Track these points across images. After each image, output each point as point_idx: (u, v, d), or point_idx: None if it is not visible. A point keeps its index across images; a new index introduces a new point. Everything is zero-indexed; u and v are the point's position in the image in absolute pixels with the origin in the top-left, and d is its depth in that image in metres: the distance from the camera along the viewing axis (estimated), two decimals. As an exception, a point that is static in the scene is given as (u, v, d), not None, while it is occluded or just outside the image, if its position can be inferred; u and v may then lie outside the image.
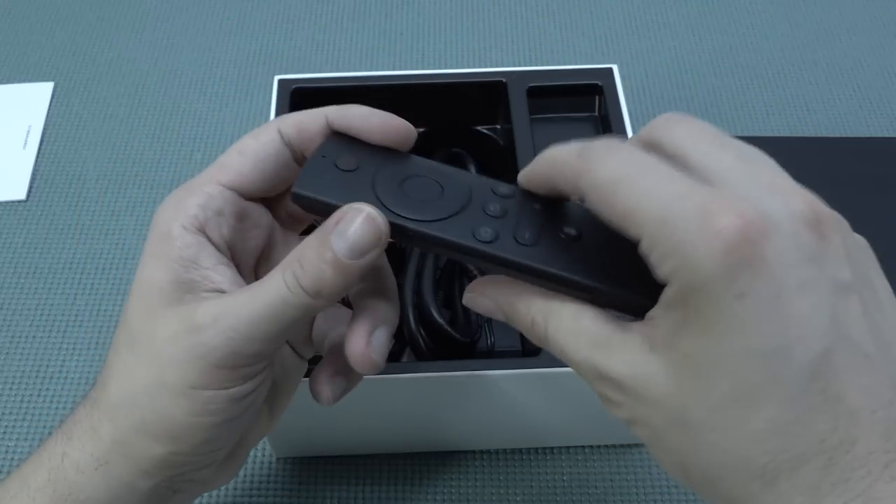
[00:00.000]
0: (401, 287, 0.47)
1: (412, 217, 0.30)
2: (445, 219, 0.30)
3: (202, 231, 0.31)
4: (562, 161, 0.29)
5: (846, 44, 0.71)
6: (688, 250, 0.23)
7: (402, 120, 0.33)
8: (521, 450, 0.48)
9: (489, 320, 0.48)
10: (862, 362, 0.24)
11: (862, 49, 0.70)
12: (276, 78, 0.51)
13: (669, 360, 0.25)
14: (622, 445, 0.49)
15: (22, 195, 0.61)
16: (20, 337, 0.54)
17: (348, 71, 0.69)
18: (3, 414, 0.50)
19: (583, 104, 0.52)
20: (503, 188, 0.31)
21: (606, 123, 0.50)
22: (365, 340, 0.31)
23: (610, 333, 0.27)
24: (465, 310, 0.48)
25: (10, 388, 0.52)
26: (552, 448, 0.49)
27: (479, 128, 0.54)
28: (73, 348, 0.53)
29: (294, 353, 0.36)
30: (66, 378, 0.52)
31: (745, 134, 0.64)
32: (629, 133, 0.49)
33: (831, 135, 0.64)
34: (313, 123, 0.32)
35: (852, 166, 0.57)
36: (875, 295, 0.26)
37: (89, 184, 0.62)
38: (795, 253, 0.24)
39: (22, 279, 0.57)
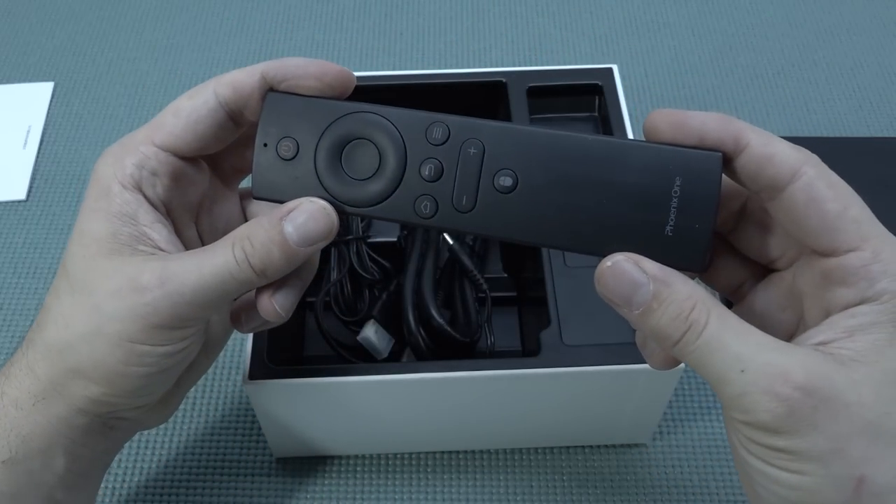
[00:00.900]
0: (401, 287, 0.47)
1: (358, 205, 0.31)
2: (387, 199, 0.31)
3: (139, 189, 0.32)
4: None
5: (846, 44, 0.71)
6: None
7: (340, 66, 0.34)
8: (521, 450, 0.48)
9: (489, 320, 0.48)
10: None
11: (862, 49, 0.70)
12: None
13: (868, 373, 0.26)
14: (622, 445, 0.49)
15: (22, 195, 0.61)
16: (20, 337, 0.54)
17: (348, 71, 0.69)
18: (3, 414, 0.51)
19: (583, 104, 0.52)
20: (436, 131, 0.32)
21: (606, 123, 0.50)
22: (271, 291, 0.33)
23: (779, 341, 0.27)
24: (465, 310, 0.48)
25: (10, 388, 0.52)
26: (552, 448, 0.49)
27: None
28: (73, 348, 0.53)
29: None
30: (66, 378, 0.52)
31: (745, 134, 0.64)
32: (629, 133, 0.49)
33: (831, 135, 0.64)
34: (248, 80, 0.33)
35: (852, 166, 0.57)
36: None
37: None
38: None
39: (22, 279, 0.57)
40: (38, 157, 0.64)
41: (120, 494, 0.47)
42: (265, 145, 0.32)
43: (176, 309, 0.31)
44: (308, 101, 0.32)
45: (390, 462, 0.48)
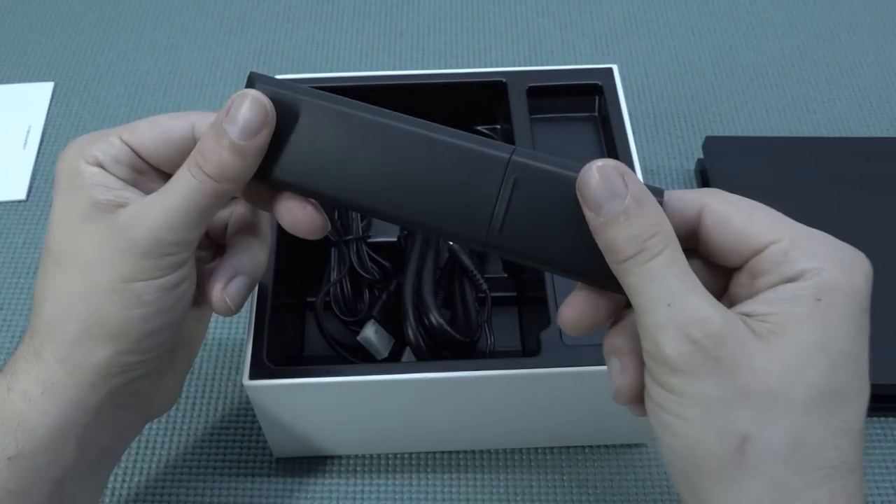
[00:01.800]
0: (401, 287, 0.47)
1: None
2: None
3: (102, 167, 0.34)
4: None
5: (846, 44, 0.71)
6: (847, 265, 0.28)
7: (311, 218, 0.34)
8: (521, 450, 0.48)
9: (489, 320, 0.48)
10: None
11: (862, 49, 0.70)
12: (276, 78, 0.51)
13: (782, 343, 0.27)
14: (622, 445, 0.49)
15: (22, 195, 0.61)
16: (20, 337, 0.54)
17: (348, 71, 0.69)
18: (3, 414, 0.51)
19: (583, 104, 0.52)
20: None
21: (606, 123, 0.50)
22: (222, 285, 0.35)
23: (714, 299, 0.28)
24: (465, 310, 0.48)
25: (10, 388, 0.52)
26: (552, 448, 0.49)
27: (479, 128, 0.54)
28: (73, 348, 0.53)
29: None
30: (66, 378, 0.52)
31: (746, 134, 0.64)
32: (629, 133, 0.49)
33: (831, 135, 0.64)
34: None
35: (852, 166, 0.57)
36: None
37: (89, 184, 0.62)
38: None
39: (22, 279, 0.57)
40: (38, 157, 0.64)
41: (120, 494, 0.47)
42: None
43: (155, 234, 0.32)
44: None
45: (390, 462, 0.48)
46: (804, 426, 0.26)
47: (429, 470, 0.48)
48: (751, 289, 0.29)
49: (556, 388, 0.43)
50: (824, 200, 0.55)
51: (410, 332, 0.45)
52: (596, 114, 0.52)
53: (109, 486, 0.47)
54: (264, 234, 0.38)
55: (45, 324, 0.33)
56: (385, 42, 0.71)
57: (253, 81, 0.33)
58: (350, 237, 0.49)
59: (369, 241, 0.50)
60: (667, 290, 0.27)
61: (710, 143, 0.58)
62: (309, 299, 0.51)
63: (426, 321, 0.45)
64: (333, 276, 0.48)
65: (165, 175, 0.35)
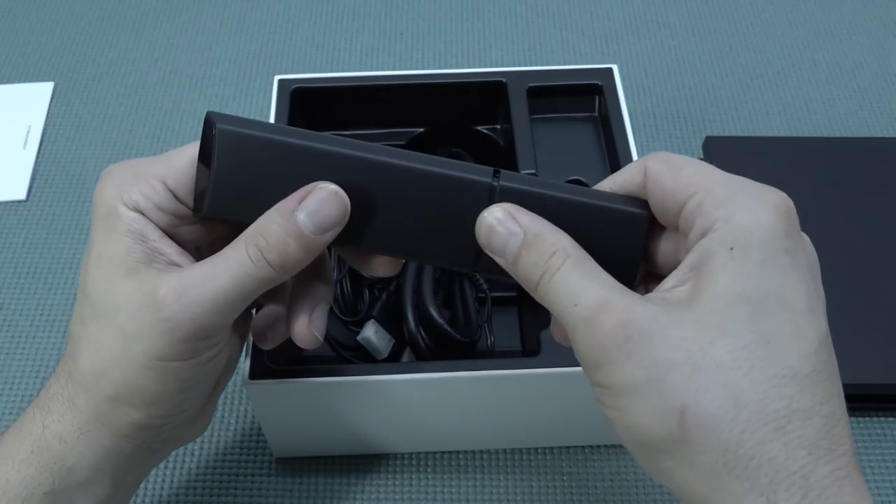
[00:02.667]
0: (401, 287, 0.47)
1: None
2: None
3: (142, 213, 0.32)
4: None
5: (846, 44, 0.71)
6: (755, 206, 0.27)
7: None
8: (521, 450, 0.48)
9: (489, 320, 0.48)
10: None
11: (862, 49, 0.70)
12: (276, 78, 0.51)
13: (697, 306, 0.26)
14: (622, 445, 0.48)
15: (22, 195, 0.61)
16: (20, 337, 0.54)
17: (348, 71, 0.69)
18: (2, 414, 0.50)
19: (583, 104, 0.52)
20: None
21: (606, 123, 0.50)
22: (307, 319, 0.34)
23: (619, 284, 0.29)
24: (465, 310, 0.48)
25: (10, 388, 0.52)
26: (552, 448, 0.49)
27: (479, 128, 0.54)
28: (73, 348, 0.53)
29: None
30: (66, 378, 0.52)
31: (746, 134, 0.64)
32: (629, 133, 0.49)
33: (831, 135, 0.64)
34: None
35: (852, 166, 0.57)
36: None
37: (89, 184, 0.62)
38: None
39: (22, 279, 0.57)
40: (38, 157, 0.64)
41: (120, 494, 0.47)
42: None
43: (197, 320, 0.30)
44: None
45: (390, 462, 0.48)
46: (738, 381, 0.25)
47: (429, 470, 0.48)
48: (682, 250, 0.29)
49: (556, 388, 0.43)
50: (824, 200, 0.55)
51: (410, 332, 0.45)
52: (596, 114, 0.52)
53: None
54: (325, 257, 0.36)
55: (81, 375, 0.32)
56: (385, 42, 0.71)
57: (213, 123, 0.31)
58: (350, 237, 0.49)
59: (369, 241, 0.50)
60: (572, 293, 0.28)
61: (710, 143, 0.58)
62: (309, 299, 0.51)
63: (426, 321, 0.45)
64: (333, 276, 0.48)
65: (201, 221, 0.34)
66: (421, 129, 0.53)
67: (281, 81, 0.51)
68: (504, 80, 0.51)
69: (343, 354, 0.47)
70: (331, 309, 0.48)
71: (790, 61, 0.69)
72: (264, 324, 0.36)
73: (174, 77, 0.69)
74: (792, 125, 0.65)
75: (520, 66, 0.69)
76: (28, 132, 0.65)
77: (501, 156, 0.52)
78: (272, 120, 0.49)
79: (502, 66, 0.69)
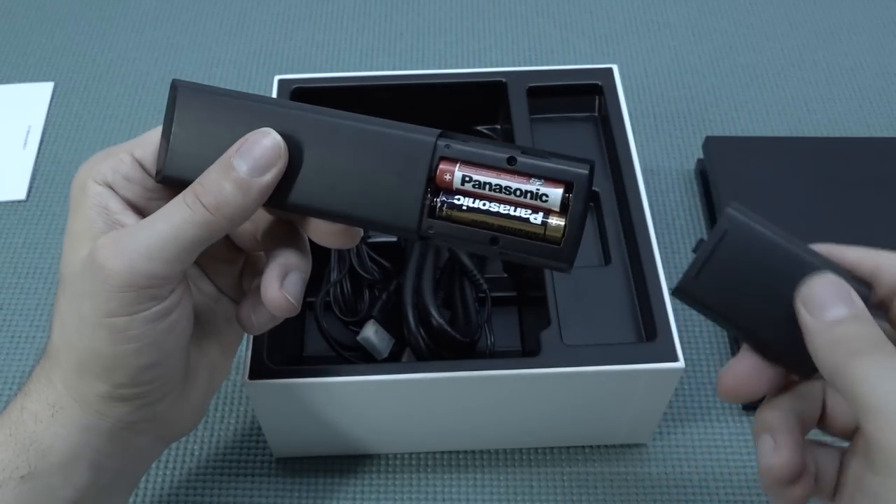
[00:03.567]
0: (401, 287, 0.47)
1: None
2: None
3: (110, 186, 0.33)
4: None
5: (846, 44, 0.71)
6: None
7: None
8: (521, 450, 0.48)
9: (489, 320, 0.48)
10: None
11: (862, 49, 0.70)
12: (276, 78, 0.51)
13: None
14: (622, 445, 0.49)
15: (22, 195, 0.61)
16: (20, 337, 0.54)
17: (348, 71, 0.69)
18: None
19: (583, 104, 0.52)
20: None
21: (606, 123, 0.50)
22: (278, 283, 0.33)
23: None
24: (465, 310, 0.48)
25: (10, 388, 0.52)
26: (552, 448, 0.49)
27: (479, 128, 0.54)
28: (73, 348, 0.53)
29: (230, 300, 0.38)
30: (66, 378, 0.52)
31: (746, 134, 0.64)
32: (629, 133, 0.49)
33: (831, 135, 0.64)
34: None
35: (852, 166, 0.57)
36: None
37: (89, 184, 0.62)
38: None
39: (22, 279, 0.57)
40: (38, 157, 0.64)
41: (120, 494, 0.47)
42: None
43: (134, 266, 0.30)
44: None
45: (390, 462, 0.48)
46: None
47: (429, 470, 0.48)
48: None
49: (556, 388, 0.43)
50: (824, 200, 0.54)
51: (410, 332, 0.45)
52: (596, 114, 0.52)
53: (109, 486, 0.47)
54: (300, 232, 0.35)
55: (53, 348, 0.33)
56: (385, 42, 0.71)
57: (175, 87, 0.33)
58: (350, 237, 0.49)
59: (369, 241, 0.50)
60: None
61: (710, 143, 0.58)
62: (309, 299, 0.50)
63: (426, 321, 0.45)
64: (333, 276, 0.48)
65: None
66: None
67: (281, 81, 0.51)
68: (504, 80, 0.51)
69: (343, 354, 0.47)
70: (331, 309, 0.48)
71: (790, 61, 0.69)
72: (247, 307, 0.35)
73: (174, 77, 0.69)
74: (792, 125, 0.65)
75: (520, 66, 0.69)
76: (28, 132, 0.65)
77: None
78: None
79: (502, 66, 0.69)
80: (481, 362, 0.42)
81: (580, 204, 0.30)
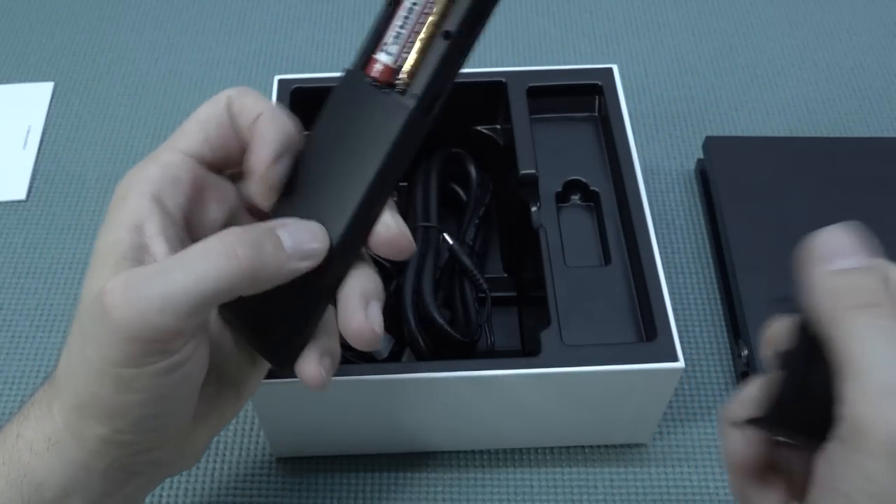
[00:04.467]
0: (401, 287, 0.47)
1: None
2: None
3: (158, 199, 0.31)
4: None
5: (846, 44, 0.71)
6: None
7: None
8: (521, 450, 0.48)
9: (489, 320, 0.48)
10: None
11: (862, 49, 0.70)
12: (276, 78, 0.51)
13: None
14: (622, 445, 0.49)
15: (22, 195, 0.61)
16: (20, 337, 0.54)
17: (348, 71, 0.69)
18: (2, 414, 0.50)
19: (583, 104, 0.52)
20: None
21: (606, 123, 0.50)
22: (363, 314, 0.31)
23: None
24: (465, 310, 0.48)
25: (10, 388, 0.52)
26: (552, 448, 0.49)
27: (479, 128, 0.54)
28: (73, 348, 0.53)
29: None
30: (66, 378, 0.52)
31: (746, 134, 0.64)
32: (629, 133, 0.49)
33: (831, 135, 0.64)
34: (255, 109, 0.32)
35: (852, 166, 0.57)
36: None
37: (89, 184, 0.62)
38: None
39: (22, 279, 0.57)
40: (38, 157, 0.64)
41: (120, 494, 0.47)
42: None
43: (144, 315, 0.27)
44: None
45: (390, 462, 0.48)
46: None
47: (429, 470, 0.48)
48: None
49: (556, 388, 0.43)
50: (824, 200, 0.54)
51: (410, 332, 0.45)
52: (596, 114, 0.52)
53: (109, 486, 0.47)
54: (366, 255, 0.34)
55: (56, 380, 0.31)
56: (385, 42, 0.71)
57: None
58: (350, 237, 0.49)
59: (369, 241, 0.50)
60: None
61: (710, 143, 0.58)
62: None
63: (426, 321, 0.45)
64: (333, 276, 0.48)
65: (228, 182, 0.33)
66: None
67: (281, 81, 0.51)
68: (504, 80, 0.51)
69: (343, 354, 0.47)
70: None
71: (790, 61, 0.69)
72: (313, 359, 0.33)
73: (174, 77, 0.69)
74: (792, 125, 0.65)
75: (520, 66, 0.69)
76: (28, 132, 0.65)
77: (502, 156, 0.52)
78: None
79: (502, 66, 0.69)
80: (481, 362, 0.42)
81: None
